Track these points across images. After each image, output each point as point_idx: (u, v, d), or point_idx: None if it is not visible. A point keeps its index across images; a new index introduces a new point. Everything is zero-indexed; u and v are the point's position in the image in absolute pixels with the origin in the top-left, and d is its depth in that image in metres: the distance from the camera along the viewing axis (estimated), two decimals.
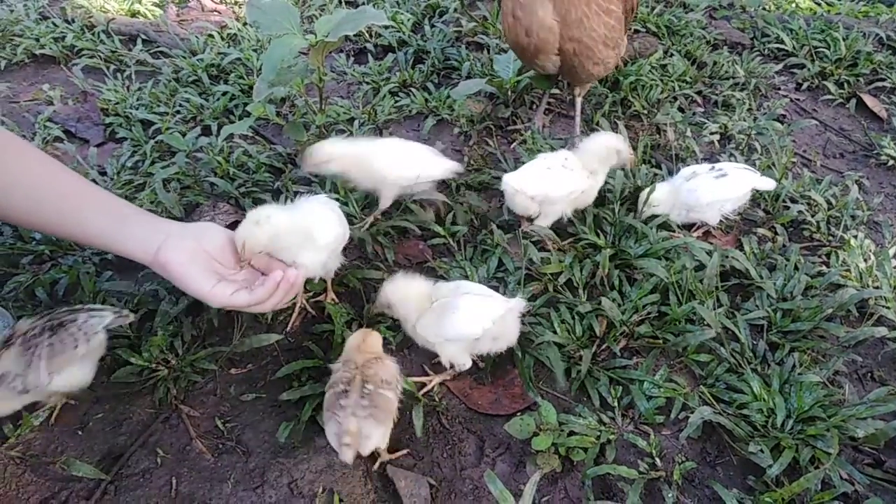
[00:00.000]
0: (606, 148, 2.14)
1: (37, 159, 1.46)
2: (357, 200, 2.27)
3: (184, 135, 2.69)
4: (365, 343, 1.59)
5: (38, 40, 3.43)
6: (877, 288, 2.07)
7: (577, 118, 2.70)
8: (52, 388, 1.51)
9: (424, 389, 1.76)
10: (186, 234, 1.45)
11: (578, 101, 2.68)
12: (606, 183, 2.29)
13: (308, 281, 1.94)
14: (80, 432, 1.65)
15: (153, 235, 1.43)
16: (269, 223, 1.57)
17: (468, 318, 1.64)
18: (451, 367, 1.74)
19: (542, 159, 2.19)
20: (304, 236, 1.67)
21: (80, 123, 2.90)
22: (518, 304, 1.68)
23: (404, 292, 1.69)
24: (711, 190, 2.19)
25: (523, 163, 2.52)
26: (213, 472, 1.59)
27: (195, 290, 1.41)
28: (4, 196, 1.41)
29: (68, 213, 1.45)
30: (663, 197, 2.25)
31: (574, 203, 2.18)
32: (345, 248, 1.90)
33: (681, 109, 3.06)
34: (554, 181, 2.10)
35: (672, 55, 3.42)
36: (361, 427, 1.40)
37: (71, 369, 1.53)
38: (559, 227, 2.22)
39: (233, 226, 2.20)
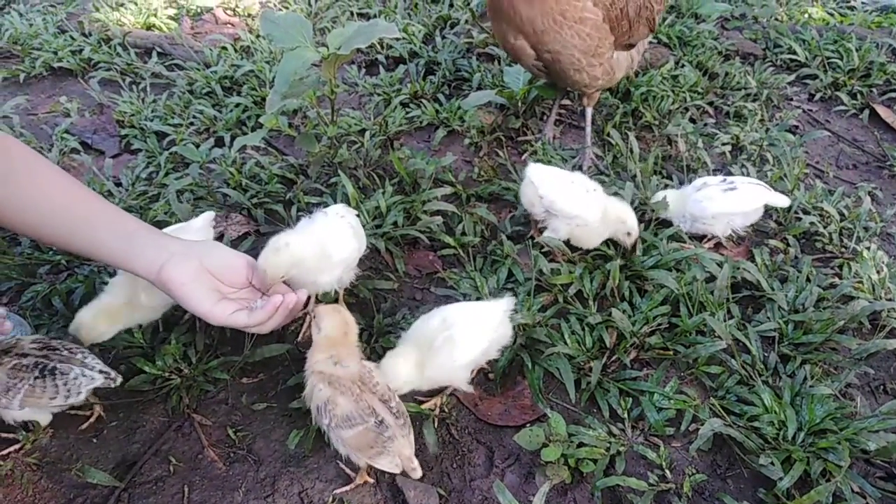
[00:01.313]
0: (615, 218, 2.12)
1: (51, 177, 1.49)
2: (368, 211, 2.29)
3: (197, 146, 2.72)
4: (348, 337, 1.55)
5: (56, 53, 3.50)
6: (889, 300, 2.05)
7: (588, 129, 2.71)
8: (13, 416, 1.56)
9: (433, 405, 1.76)
10: (190, 254, 1.48)
11: (588, 111, 2.69)
12: (617, 193, 2.31)
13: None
14: (94, 440, 1.68)
15: (158, 254, 1.46)
16: (288, 250, 1.57)
17: (471, 338, 1.63)
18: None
19: (576, 174, 2.19)
20: (322, 257, 1.68)
21: (97, 135, 2.94)
22: (507, 303, 1.70)
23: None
24: (718, 202, 2.19)
25: None
26: (225, 480, 1.60)
27: (195, 308, 1.44)
28: (19, 213, 1.44)
29: (80, 232, 1.48)
30: (672, 199, 2.27)
31: (572, 231, 2.14)
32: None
33: (692, 120, 3.06)
34: (566, 196, 2.09)
35: (683, 66, 3.42)
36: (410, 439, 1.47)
37: (40, 411, 1.60)
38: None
39: (244, 237, 2.24)
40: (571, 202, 2.08)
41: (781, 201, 2.24)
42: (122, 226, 1.50)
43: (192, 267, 1.45)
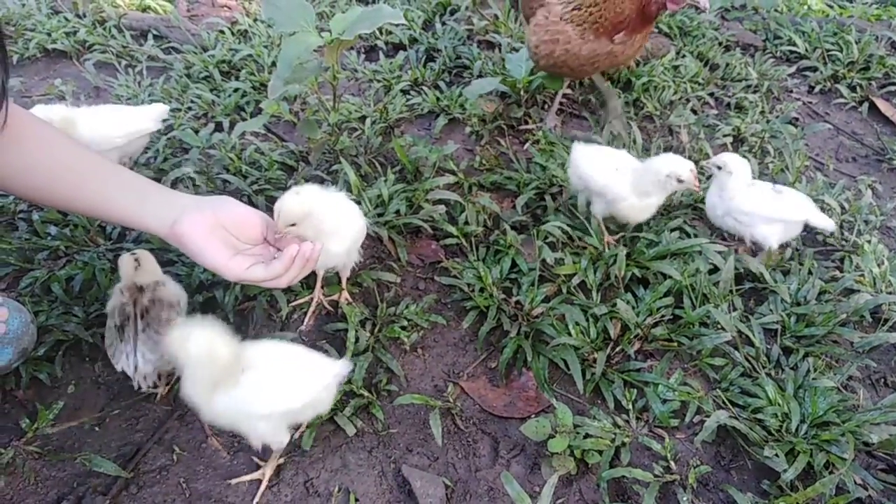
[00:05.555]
0: (665, 174, 1.99)
1: (57, 140, 1.45)
2: (370, 199, 2.27)
3: (196, 131, 2.68)
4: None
5: (49, 35, 3.43)
6: (890, 293, 2.07)
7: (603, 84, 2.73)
8: None
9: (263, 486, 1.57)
10: (203, 208, 1.41)
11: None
12: None
13: (324, 279, 1.95)
14: (97, 428, 1.66)
15: (170, 208, 1.40)
16: (307, 195, 1.53)
17: (287, 388, 1.43)
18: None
19: (620, 154, 2.17)
20: (334, 219, 1.65)
21: None
22: (344, 367, 1.48)
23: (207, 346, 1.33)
24: (756, 200, 2.08)
25: (536, 163, 2.54)
26: (229, 469, 1.59)
27: (211, 262, 1.37)
28: (27, 177, 1.40)
29: (89, 192, 1.43)
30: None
31: (609, 208, 2.12)
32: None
33: (693, 111, 3.05)
34: (602, 171, 2.08)
35: (684, 56, 3.41)
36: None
37: None
38: (574, 228, 2.22)
39: None
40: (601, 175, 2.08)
41: (826, 224, 2.12)
42: (130, 182, 1.45)
43: (207, 220, 1.39)
